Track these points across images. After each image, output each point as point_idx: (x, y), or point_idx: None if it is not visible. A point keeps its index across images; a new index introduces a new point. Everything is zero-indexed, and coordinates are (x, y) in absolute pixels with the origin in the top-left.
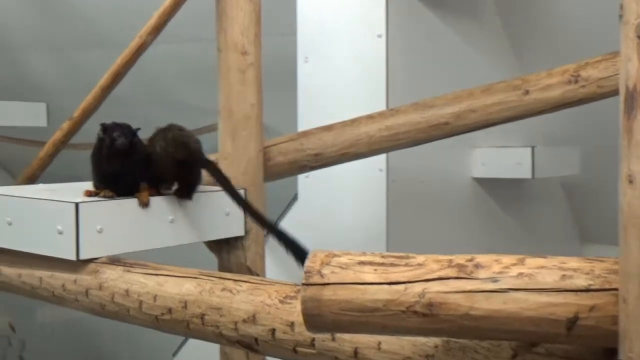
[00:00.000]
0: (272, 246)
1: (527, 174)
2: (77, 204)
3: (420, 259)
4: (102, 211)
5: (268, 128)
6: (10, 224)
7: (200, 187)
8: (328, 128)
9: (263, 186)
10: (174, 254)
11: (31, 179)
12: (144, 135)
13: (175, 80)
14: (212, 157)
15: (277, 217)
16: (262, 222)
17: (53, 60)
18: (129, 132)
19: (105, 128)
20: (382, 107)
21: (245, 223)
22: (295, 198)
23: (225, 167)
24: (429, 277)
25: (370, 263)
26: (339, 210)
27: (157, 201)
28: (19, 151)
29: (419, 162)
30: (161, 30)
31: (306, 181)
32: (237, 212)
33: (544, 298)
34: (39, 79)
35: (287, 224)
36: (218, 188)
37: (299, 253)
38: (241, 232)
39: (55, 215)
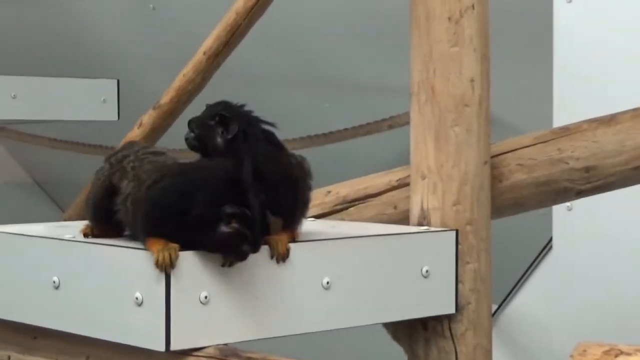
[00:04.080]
0: (505, 331)
1: None
2: None
3: None
4: (210, 268)
5: (497, 121)
6: (57, 287)
7: (371, 228)
8: (609, 121)
9: (490, 225)
10: (328, 342)
11: None
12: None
13: (333, 41)
14: (398, 172)
15: (519, 277)
16: None
17: (126, 10)
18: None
19: (221, 117)
20: None
21: (458, 292)
22: (548, 245)
23: (420, 190)
24: None
25: None
26: (628, 267)
27: (301, 251)
28: (70, 166)
29: None
30: None
31: (568, 216)
32: (443, 272)
33: None
34: (103, 42)
35: (534, 287)
36: (408, 229)
37: None
38: (450, 309)
39: (131, 274)
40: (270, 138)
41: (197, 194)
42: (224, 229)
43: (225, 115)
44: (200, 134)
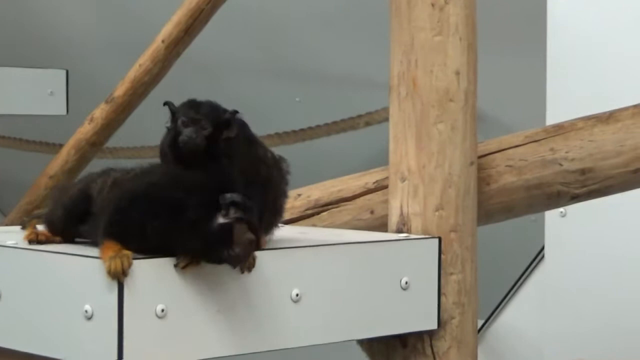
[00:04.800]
0: (491, 348)
1: None
2: None
3: None
4: (168, 278)
5: (485, 118)
6: None
7: (346, 235)
8: (607, 119)
9: (476, 232)
10: None
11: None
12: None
13: (305, 29)
14: (375, 173)
15: (507, 289)
16: None
17: None
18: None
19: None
20: None
21: (440, 306)
22: (540, 254)
23: (400, 194)
24: None
25: None
26: (625, 278)
27: (268, 259)
28: (12, 165)
29: None
30: None
31: (562, 223)
32: (425, 284)
33: None
34: (51, 28)
35: (524, 301)
36: (385, 237)
37: None
38: (431, 325)
39: (79, 284)
40: (243, 130)
41: (195, 187)
42: (222, 220)
43: (235, 111)
44: (211, 133)
